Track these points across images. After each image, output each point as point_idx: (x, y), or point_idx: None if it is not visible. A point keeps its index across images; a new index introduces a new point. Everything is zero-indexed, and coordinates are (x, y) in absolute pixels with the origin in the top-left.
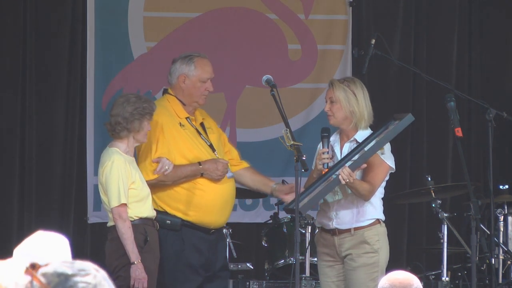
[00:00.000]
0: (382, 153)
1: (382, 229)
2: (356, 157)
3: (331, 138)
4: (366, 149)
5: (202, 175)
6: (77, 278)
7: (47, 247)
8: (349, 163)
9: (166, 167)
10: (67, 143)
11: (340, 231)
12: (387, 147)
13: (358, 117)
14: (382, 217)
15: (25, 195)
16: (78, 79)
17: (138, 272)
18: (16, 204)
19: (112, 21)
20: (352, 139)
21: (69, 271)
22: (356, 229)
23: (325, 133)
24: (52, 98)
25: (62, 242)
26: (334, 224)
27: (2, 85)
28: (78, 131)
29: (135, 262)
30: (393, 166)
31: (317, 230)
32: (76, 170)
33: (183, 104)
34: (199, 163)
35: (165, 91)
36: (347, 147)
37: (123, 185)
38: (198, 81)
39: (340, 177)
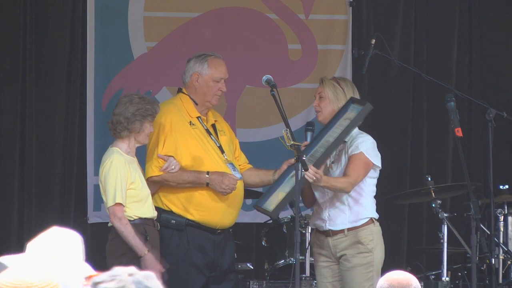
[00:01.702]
0: (366, 152)
1: (376, 228)
2: (319, 152)
3: None
4: (329, 139)
5: (207, 185)
6: (101, 285)
7: (60, 244)
8: (313, 157)
9: (173, 167)
10: (67, 143)
11: (334, 232)
12: (370, 145)
13: None
14: (375, 215)
15: (25, 195)
16: (78, 79)
17: (149, 263)
18: (16, 204)
19: (112, 21)
20: None
21: (99, 279)
22: (349, 229)
23: (309, 126)
24: (52, 98)
25: (76, 239)
26: (327, 226)
27: (2, 85)
28: (78, 131)
29: (143, 255)
30: (378, 164)
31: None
32: (76, 170)
33: (196, 104)
34: (207, 173)
35: (179, 90)
36: None
37: (120, 185)
38: (211, 80)
39: (306, 176)
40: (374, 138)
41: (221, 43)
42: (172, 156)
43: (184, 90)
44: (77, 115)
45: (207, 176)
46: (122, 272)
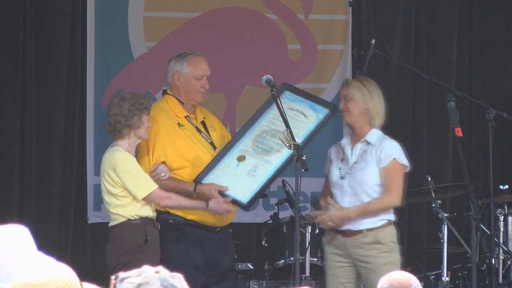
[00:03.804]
0: (398, 158)
1: (394, 231)
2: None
3: (342, 141)
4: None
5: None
6: (126, 280)
7: (8, 238)
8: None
9: (162, 174)
10: (67, 143)
11: (353, 233)
12: (399, 148)
13: (372, 114)
14: (394, 218)
15: (25, 195)
16: (78, 79)
17: (215, 208)
18: (16, 204)
19: (112, 21)
20: (363, 139)
21: (126, 275)
22: (368, 230)
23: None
24: (52, 99)
25: (22, 232)
26: (346, 225)
27: (2, 85)
28: (78, 131)
29: (207, 208)
30: (408, 165)
31: (326, 230)
32: (76, 170)
33: (182, 103)
34: (195, 188)
35: (164, 92)
36: (359, 148)
37: (142, 173)
38: (192, 78)
39: (330, 223)
40: None
41: (221, 43)
42: (164, 162)
43: (168, 91)
44: (77, 115)
45: (196, 191)
46: (149, 269)
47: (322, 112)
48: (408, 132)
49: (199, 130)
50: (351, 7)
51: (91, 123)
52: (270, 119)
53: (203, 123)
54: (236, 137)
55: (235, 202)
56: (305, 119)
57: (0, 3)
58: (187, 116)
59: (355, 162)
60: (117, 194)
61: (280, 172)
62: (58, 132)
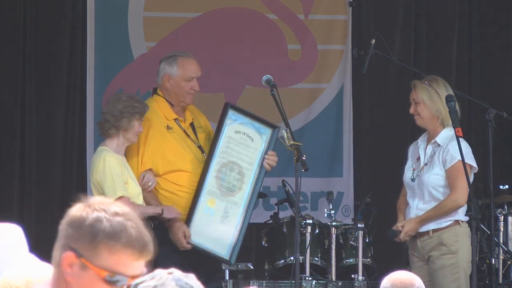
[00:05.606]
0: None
1: (461, 230)
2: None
3: (419, 140)
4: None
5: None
6: (140, 285)
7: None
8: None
9: (150, 183)
10: (67, 143)
11: (421, 234)
12: (464, 149)
13: (444, 115)
14: (463, 218)
15: (25, 195)
16: (78, 79)
17: (170, 211)
18: (16, 204)
19: (112, 21)
20: (433, 141)
21: (139, 280)
22: (434, 231)
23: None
24: (52, 98)
25: (15, 231)
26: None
27: (2, 85)
28: (78, 131)
29: (163, 211)
30: (475, 165)
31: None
32: (76, 170)
33: (171, 105)
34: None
35: (154, 91)
36: (430, 149)
37: (118, 179)
38: (182, 80)
39: (404, 237)
40: (374, 138)
41: (221, 43)
42: (150, 169)
43: (158, 91)
44: (77, 115)
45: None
46: (161, 271)
47: (265, 132)
48: (408, 131)
49: (187, 134)
50: (351, 7)
51: (91, 123)
52: (223, 148)
53: (192, 125)
54: (202, 174)
55: (217, 258)
56: (252, 143)
57: (0, 3)
58: (176, 118)
59: (425, 164)
60: (100, 195)
61: (249, 212)
62: (58, 132)
